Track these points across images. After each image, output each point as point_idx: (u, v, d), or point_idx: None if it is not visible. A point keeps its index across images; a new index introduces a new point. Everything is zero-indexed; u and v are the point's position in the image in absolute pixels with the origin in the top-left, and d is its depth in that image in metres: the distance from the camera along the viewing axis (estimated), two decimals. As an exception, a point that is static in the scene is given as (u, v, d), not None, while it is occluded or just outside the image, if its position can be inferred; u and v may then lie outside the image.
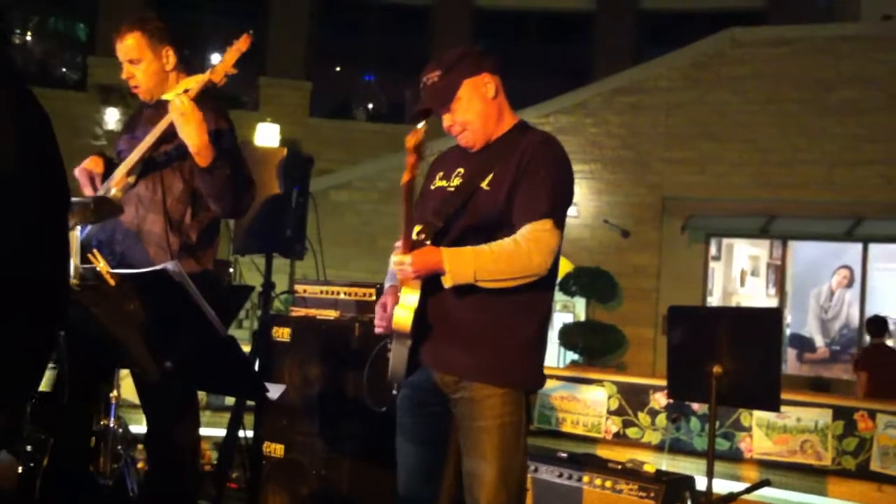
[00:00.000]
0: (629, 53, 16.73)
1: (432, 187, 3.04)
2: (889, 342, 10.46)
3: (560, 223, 2.86)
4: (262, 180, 4.83)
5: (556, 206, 2.85)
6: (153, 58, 3.55)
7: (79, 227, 3.10)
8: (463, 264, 2.74)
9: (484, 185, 2.87)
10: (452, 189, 2.95)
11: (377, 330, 2.95)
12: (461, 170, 2.96)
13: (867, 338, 11.03)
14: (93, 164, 3.60)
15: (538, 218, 2.80)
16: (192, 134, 3.29)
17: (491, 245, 2.77)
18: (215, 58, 3.46)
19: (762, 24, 14.63)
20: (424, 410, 2.98)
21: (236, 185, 3.45)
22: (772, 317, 4.93)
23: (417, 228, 2.85)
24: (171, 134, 3.41)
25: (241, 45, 3.35)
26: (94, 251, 2.68)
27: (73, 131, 14.36)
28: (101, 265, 2.62)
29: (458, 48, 3.01)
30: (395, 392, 2.99)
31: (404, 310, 2.81)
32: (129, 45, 3.53)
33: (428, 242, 2.83)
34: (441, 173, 3.04)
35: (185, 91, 3.33)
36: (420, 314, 2.81)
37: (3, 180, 1.40)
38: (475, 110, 2.91)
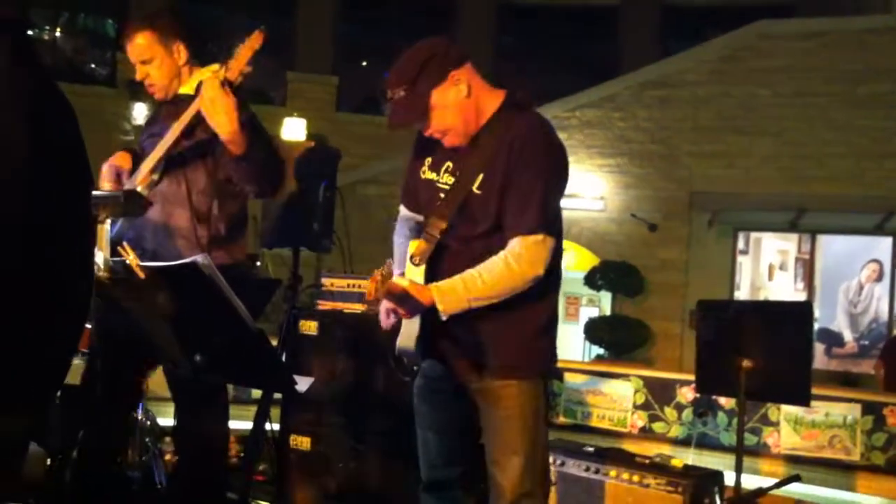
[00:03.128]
0: (656, 47, 16.64)
1: (422, 176, 2.97)
2: None
3: (551, 227, 2.81)
4: (289, 174, 4.85)
5: (546, 214, 2.79)
6: (165, 55, 3.54)
7: (109, 221, 3.12)
8: (455, 300, 2.72)
9: (475, 188, 2.81)
10: (444, 190, 2.88)
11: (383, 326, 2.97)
12: (450, 164, 2.90)
13: (896, 331, 11.00)
14: (120, 159, 3.61)
15: (528, 232, 2.75)
16: (223, 121, 3.24)
17: (482, 272, 2.73)
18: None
19: (791, 17, 14.51)
20: (440, 397, 3.03)
21: (272, 166, 3.45)
22: (802, 310, 4.90)
23: (412, 248, 2.84)
24: (191, 129, 3.41)
25: (254, 42, 3.28)
26: (125, 244, 2.69)
27: (103, 127, 14.46)
28: (131, 258, 2.64)
29: (414, 53, 2.84)
30: (416, 368, 3.00)
31: (406, 337, 2.83)
32: (140, 45, 3.53)
33: (422, 267, 2.80)
34: (430, 160, 2.96)
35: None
36: (423, 329, 2.82)
37: (18, 171, 1.40)
38: (452, 116, 2.80)
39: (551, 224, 2.82)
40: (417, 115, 2.81)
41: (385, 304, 2.87)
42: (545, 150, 2.83)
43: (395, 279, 2.72)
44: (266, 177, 3.44)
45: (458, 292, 2.72)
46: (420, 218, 3.05)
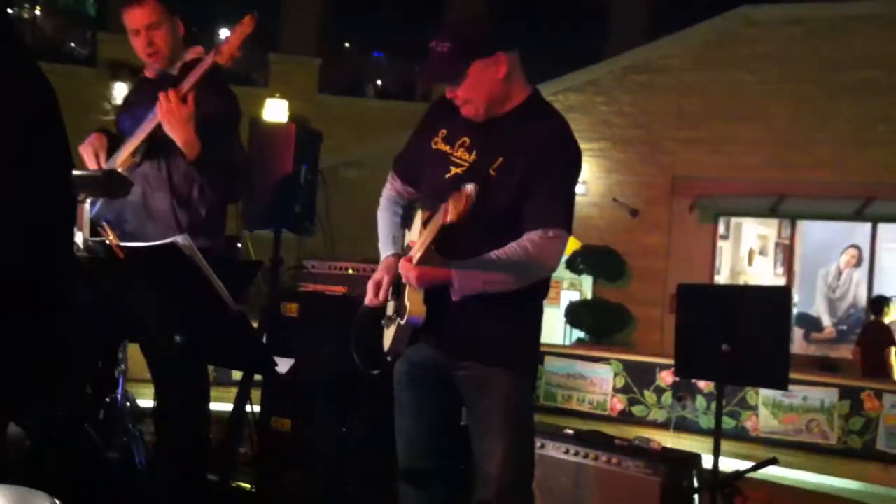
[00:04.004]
0: (643, 32, 16.63)
1: (434, 146, 2.96)
2: (886, 319, 10.55)
3: (570, 224, 2.85)
4: (271, 157, 4.84)
5: (568, 212, 2.84)
6: (170, 25, 3.56)
7: (88, 201, 3.11)
8: (472, 281, 2.74)
9: (492, 171, 2.81)
10: (459, 164, 2.88)
11: (368, 303, 2.95)
12: (466, 139, 2.89)
13: (873, 317, 11.11)
14: (97, 140, 3.60)
15: (550, 227, 2.78)
16: (177, 132, 3.36)
17: (500, 256, 2.75)
18: (225, 35, 3.46)
19: (776, 3, 14.53)
20: (422, 385, 3.00)
21: (225, 175, 3.48)
22: (781, 295, 4.92)
23: (425, 216, 2.84)
24: None
25: (245, 28, 3.32)
26: (104, 224, 2.68)
27: (83, 107, 14.36)
28: (111, 238, 2.63)
29: (475, 21, 2.95)
30: (389, 359, 2.99)
31: (416, 304, 2.82)
32: (149, 9, 3.52)
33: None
34: (444, 132, 2.96)
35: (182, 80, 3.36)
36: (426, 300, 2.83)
37: (7, 155, 1.38)
38: (482, 91, 2.82)
39: (570, 221, 2.85)
40: (452, 76, 2.82)
41: (376, 277, 2.87)
42: (570, 150, 2.88)
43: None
44: (218, 185, 3.48)
45: (475, 273, 2.73)
46: (412, 191, 3.06)
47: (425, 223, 2.81)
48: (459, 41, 2.80)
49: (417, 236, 2.89)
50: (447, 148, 2.92)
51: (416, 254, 2.75)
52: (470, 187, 2.54)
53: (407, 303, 2.83)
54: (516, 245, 2.76)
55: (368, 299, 2.94)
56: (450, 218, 2.56)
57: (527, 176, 2.78)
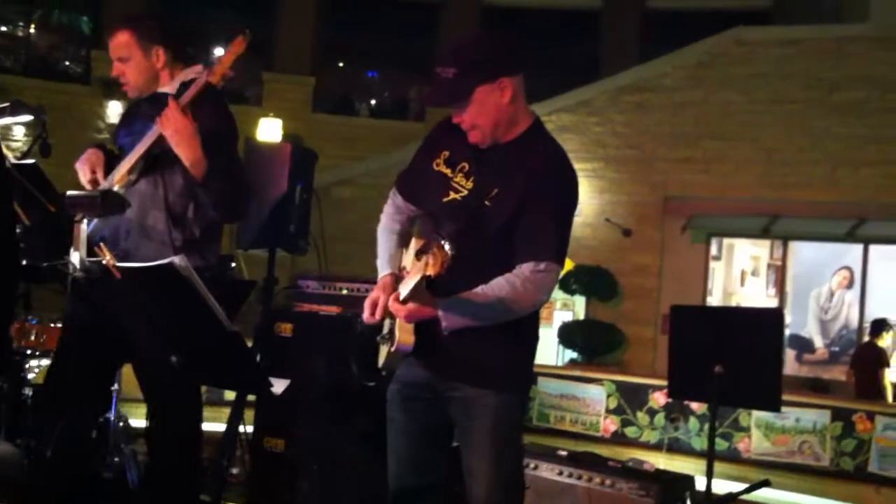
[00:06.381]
0: (634, 52, 16.71)
1: (435, 167, 2.98)
2: (881, 342, 10.54)
3: (563, 257, 2.85)
4: (265, 176, 4.84)
5: (560, 244, 2.83)
6: (142, 56, 3.57)
7: (86, 220, 3.12)
8: (459, 318, 2.75)
9: (487, 200, 2.83)
10: (457, 190, 2.89)
11: (365, 321, 2.97)
12: (466, 165, 2.91)
13: (867, 339, 11.11)
14: (94, 155, 3.61)
15: (542, 260, 2.78)
16: (185, 149, 3.36)
17: (487, 293, 2.75)
18: (220, 53, 3.49)
19: (769, 24, 14.61)
20: (414, 405, 3.02)
21: (232, 193, 3.49)
22: (773, 316, 4.94)
23: (419, 244, 2.86)
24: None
25: (237, 48, 3.36)
26: (101, 244, 2.69)
27: (78, 125, 14.37)
28: (108, 258, 2.63)
29: (480, 42, 2.91)
30: (384, 374, 3.02)
31: (406, 334, 2.85)
32: (119, 43, 3.57)
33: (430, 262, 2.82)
34: (447, 153, 2.97)
35: (178, 99, 3.37)
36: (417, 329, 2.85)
37: None
38: (487, 116, 2.82)
39: (563, 254, 2.85)
40: (456, 100, 2.84)
41: (373, 296, 2.88)
42: (565, 182, 2.89)
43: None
44: (225, 204, 3.49)
45: (461, 309, 2.74)
46: (412, 208, 3.09)
47: (418, 254, 2.81)
48: (462, 66, 2.80)
49: (410, 265, 2.91)
50: (448, 171, 2.94)
51: (404, 291, 2.74)
52: (448, 248, 2.52)
53: (397, 332, 2.87)
54: (504, 280, 2.76)
55: (365, 317, 2.95)
56: (430, 272, 2.56)
57: (519, 207, 2.79)
